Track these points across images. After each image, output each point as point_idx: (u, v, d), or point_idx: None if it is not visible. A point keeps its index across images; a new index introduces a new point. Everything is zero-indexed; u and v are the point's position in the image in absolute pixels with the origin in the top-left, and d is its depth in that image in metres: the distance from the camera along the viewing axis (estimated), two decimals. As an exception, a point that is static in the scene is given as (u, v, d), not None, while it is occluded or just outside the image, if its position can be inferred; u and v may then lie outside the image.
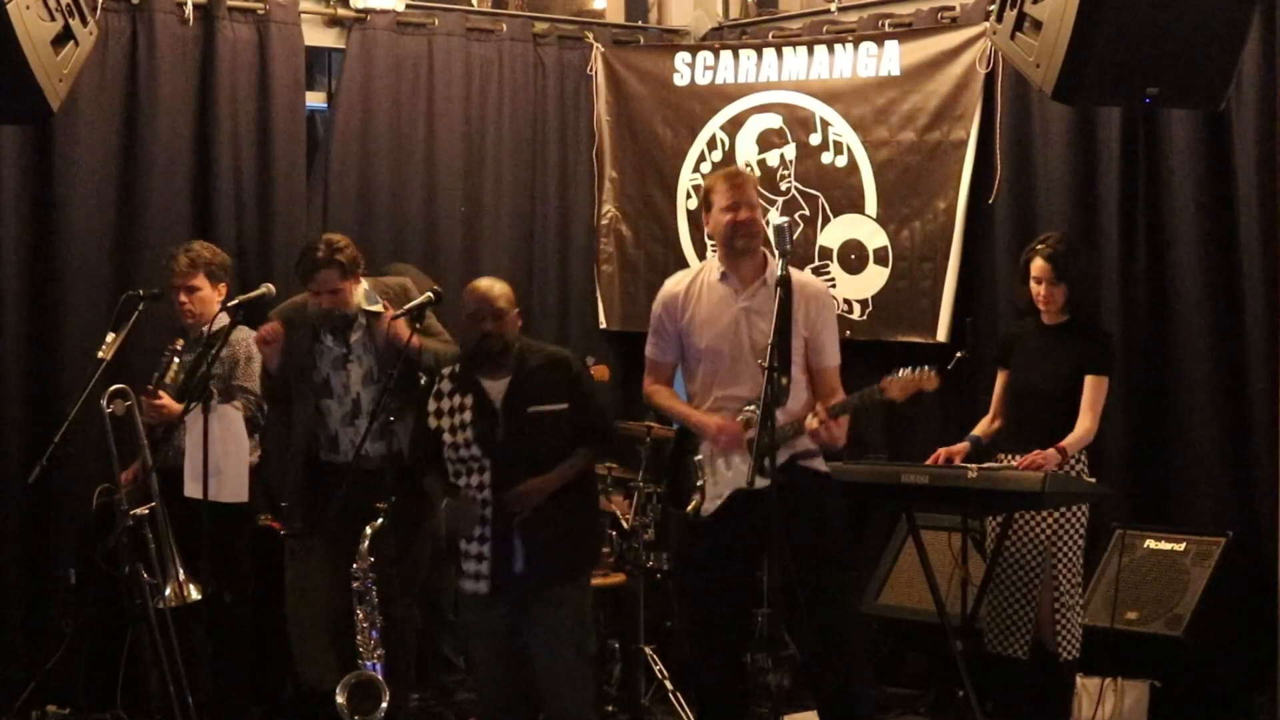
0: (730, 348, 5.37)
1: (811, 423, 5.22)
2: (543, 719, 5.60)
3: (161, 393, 6.18)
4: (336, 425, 6.03)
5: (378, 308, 5.94)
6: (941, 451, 6.22)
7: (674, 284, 5.60)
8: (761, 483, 4.90)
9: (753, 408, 5.17)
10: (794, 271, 5.45)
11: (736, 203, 5.39)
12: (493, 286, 5.41)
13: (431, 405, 5.42)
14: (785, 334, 5.20)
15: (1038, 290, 6.08)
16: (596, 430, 5.48)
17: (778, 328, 5.03)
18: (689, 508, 5.41)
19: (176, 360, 6.19)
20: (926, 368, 5.24)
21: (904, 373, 5.25)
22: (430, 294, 5.80)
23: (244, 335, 6.26)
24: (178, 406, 6.15)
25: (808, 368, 5.39)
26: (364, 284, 6.04)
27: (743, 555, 5.35)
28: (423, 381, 5.69)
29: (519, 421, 5.31)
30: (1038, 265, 6.07)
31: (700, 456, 5.42)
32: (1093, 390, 6.00)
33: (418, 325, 5.83)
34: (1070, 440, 5.93)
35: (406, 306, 5.85)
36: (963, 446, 6.21)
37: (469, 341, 5.41)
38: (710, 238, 5.61)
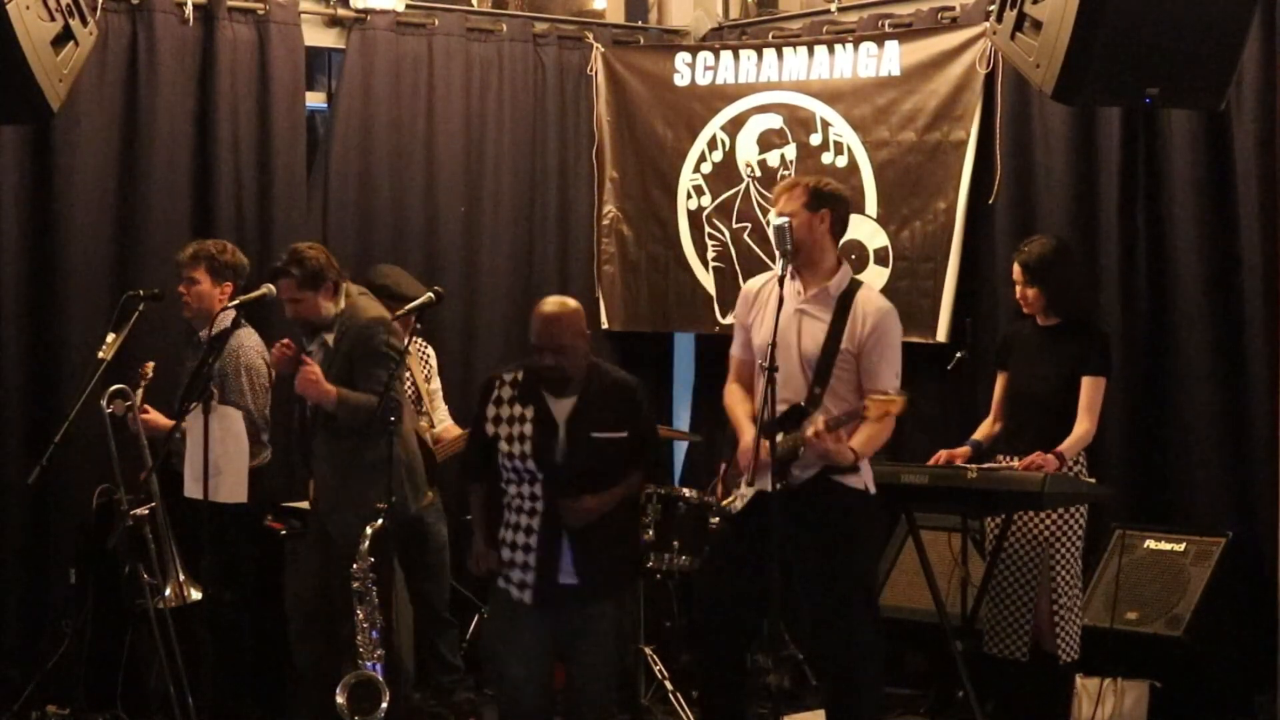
0: (779, 348, 5.25)
1: (807, 432, 5.21)
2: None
3: (146, 406, 6.22)
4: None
5: (327, 342, 5.88)
6: (943, 454, 6.21)
7: (753, 281, 5.63)
8: (779, 486, 5.01)
9: (791, 436, 5.22)
10: (865, 289, 5.44)
11: (777, 214, 5.41)
12: (560, 315, 5.21)
13: (490, 411, 5.30)
14: (833, 341, 5.25)
15: (1017, 294, 6.16)
16: (650, 459, 5.48)
17: (774, 338, 5.08)
18: (726, 501, 5.44)
19: (144, 384, 6.27)
20: (897, 393, 5.19)
21: (880, 395, 5.18)
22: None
23: (239, 343, 6.23)
24: (164, 420, 6.19)
25: (859, 387, 5.31)
26: (342, 303, 5.92)
27: (762, 558, 5.34)
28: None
29: (581, 444, 5.22)
30: (1015, 269, 6.15)
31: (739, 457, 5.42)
32: (1090, 392, 6.01)
33: (418, 327, 5.81)
34: (1067, 444, 5.94)
35: (407, 307, 5.83)
36: (964, 451, 6.20)
37: (531, 363, 5.28)
38: None
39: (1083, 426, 5.98)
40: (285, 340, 5.96)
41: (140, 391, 6.25)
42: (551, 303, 5.30)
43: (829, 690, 5.55)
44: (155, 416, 6.26)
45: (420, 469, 6.17)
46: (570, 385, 5.24)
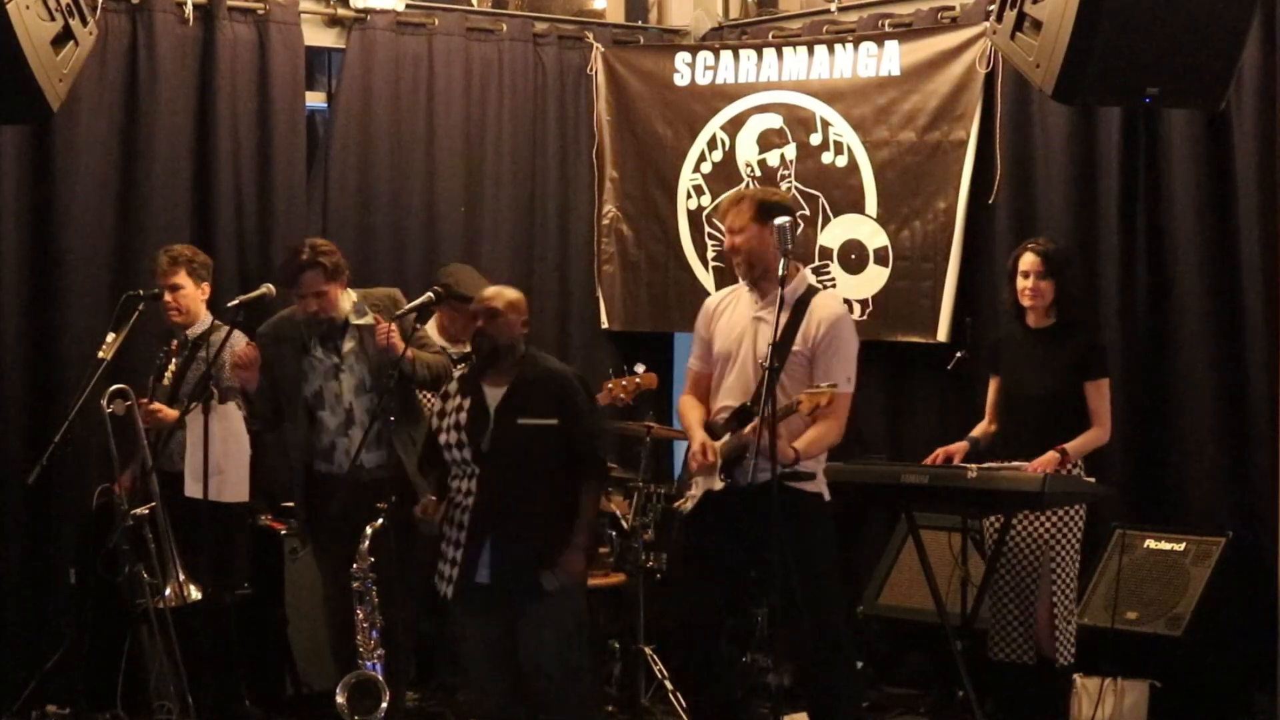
0: (736, 354, 5.43)
1: (747, 429, 5.24)
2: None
3: (156, 402, 6.20)
4: (332, 436, 5.97)
5: (367, 319, 5.85)
6: (940, 451, 6.22)
7: (713, 296, 5.74)
8: (721, 486, 5.18)
9: (735, 435, 5.29)
10: (822, 294, 5.52)
11: (726, 230, 5.52)
12: (499, 292, 5.51)
13: (436, 405, 5.54)
14: (785, 343, 5.28)
15: (1024, 286, 6.09)
16: (585, 455, 5.46)
17: (775, 333, 5.12)
18: (677, 504, 5.54)
19: (173, 361, 6.23)
20: (828, 385, 5.18)
21: (812, 389, 5.20)
22: (430, 294, 5.78)
23: (238, 337, 6.24)
24: (173, 413, 6.17)
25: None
26: (352, 295, 5.98)
27: (717, 555, 5.39)
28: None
29: (508, 431, 5.35)
30: (1028, 260, 6.10)
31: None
32: (1099, 396, 6.01)
33: (416, 328, 5.82)
34: (1077, 443, 5.93)
35: (408, 306, 5.84)
36: (961, 446, 6.21)
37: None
38: None
39: (1098, 430, 5.99)
40: (250, 343, 5.95)
41: (170, 370, 6.24)
42: (492, 286, 5.65)
43: (809, 695, 5.58)
44: (164, 411, 6.23)
45: None
46: (503, 369, 5.41)
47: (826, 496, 5.45)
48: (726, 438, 5.32)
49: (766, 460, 5.09)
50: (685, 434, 5.58)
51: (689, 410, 5.56)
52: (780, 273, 5.17)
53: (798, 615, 5.29)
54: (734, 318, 5.49)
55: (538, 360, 5.53)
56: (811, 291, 5.47)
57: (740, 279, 5.51)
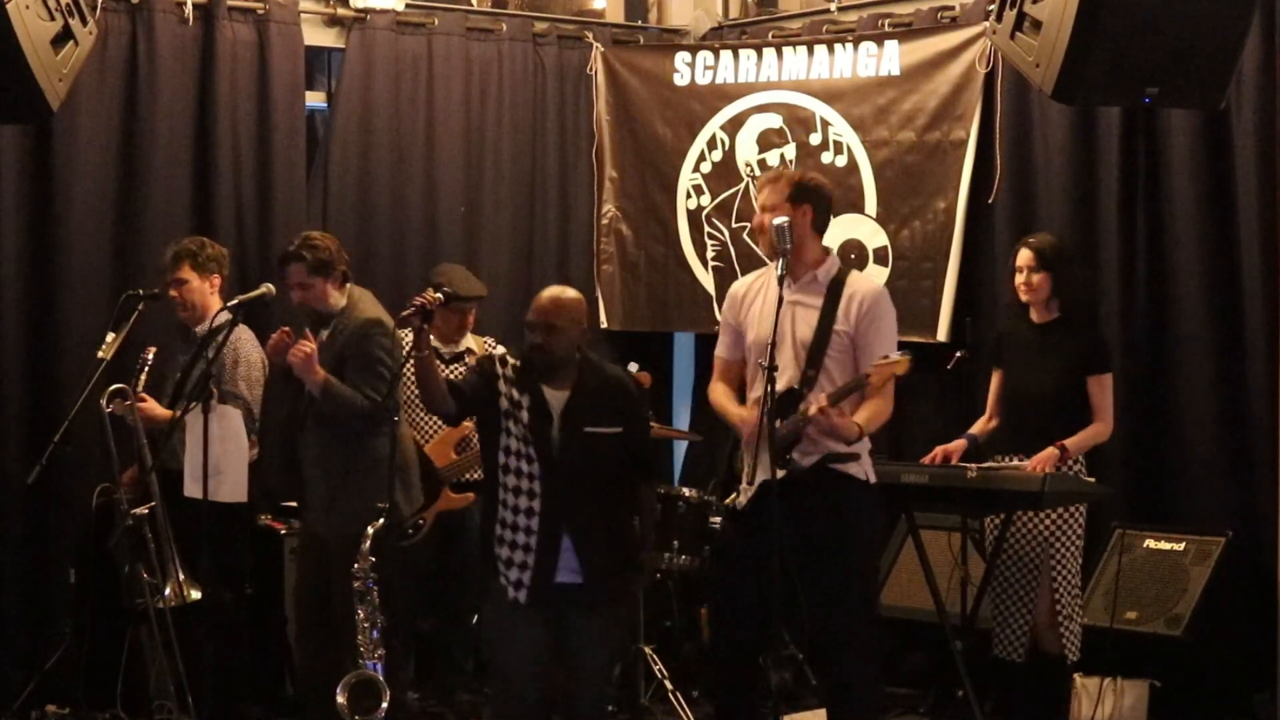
0: (774, 339, 5.29)
1: (810, 409, 5.22)
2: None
3: (144, 395, 6.19)
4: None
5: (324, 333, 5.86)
6: (939, 450, 6.22)
7: (740, 282, 5.66)
8: (783, 473, 5.03)
9: (791, 419, 5.24)
10: (855, 274, 5.50)
11: (759, 207, 5.46)
12: (557, 298, 5.23)
13: (501, 387, 5.24)
14: (826, 324, 5.27)
15: (1020, 281, 6.10)
16: (642, 461, 5.41)
17: (776, 327, 5.10)
18: (729, 499, 5.43)
19: (147, 369, 6.24)
20: (901, 354, 5.23)
21: (882, 358, 5.24)
22: (439, 295, 5.77)
23: (235, 336, 6.21)
24: (162, 410, 6.17)
25: (854, 369, 5.33)
26: (350, 296, 5.94)
27: (765, 560, 5.31)
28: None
29: (576, 438, 5.19)
30: (1022, 255, 6.10)
31: (743, 450, 5.42)
32: (1101, 391, 6.00)
33: (423, 328, 5.80)
34: (1077, 439, 5.93)
35: (408, 308, 5.82)
36: (960, 444, 6.20)
37: (524, 352, 5.30)
38: None
39: (1099, 425, 5.97)
40: (284, 328, 5.89)
41: (143, 376, 6.23)
42: (554, 288, 5.34)
43: (829, 687, 5.55)
44: (151, 406, 6.23)
45: (413, 472, 6.12)
46: (561, 375, 5.22)
47: (872, 479, 5.38)
48: (778, 423, 5.19)
49: (811, 444, 5.17)
50: (722, 415, 5.51)
51: (721, 395, 5.51)
52: (779, 271, 5.16)
53: (824, 608, 5.28)
54: (767, 304, 5.38)
55: (594, 365, 5.33)
56: (844, 272, 5.44)
57: (766, 258, 5.47)
